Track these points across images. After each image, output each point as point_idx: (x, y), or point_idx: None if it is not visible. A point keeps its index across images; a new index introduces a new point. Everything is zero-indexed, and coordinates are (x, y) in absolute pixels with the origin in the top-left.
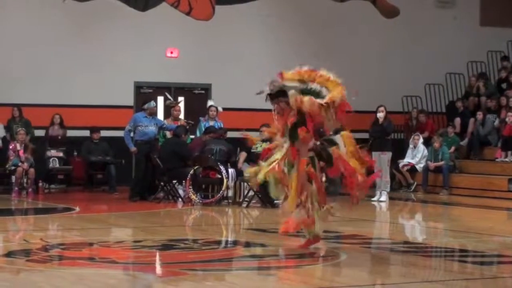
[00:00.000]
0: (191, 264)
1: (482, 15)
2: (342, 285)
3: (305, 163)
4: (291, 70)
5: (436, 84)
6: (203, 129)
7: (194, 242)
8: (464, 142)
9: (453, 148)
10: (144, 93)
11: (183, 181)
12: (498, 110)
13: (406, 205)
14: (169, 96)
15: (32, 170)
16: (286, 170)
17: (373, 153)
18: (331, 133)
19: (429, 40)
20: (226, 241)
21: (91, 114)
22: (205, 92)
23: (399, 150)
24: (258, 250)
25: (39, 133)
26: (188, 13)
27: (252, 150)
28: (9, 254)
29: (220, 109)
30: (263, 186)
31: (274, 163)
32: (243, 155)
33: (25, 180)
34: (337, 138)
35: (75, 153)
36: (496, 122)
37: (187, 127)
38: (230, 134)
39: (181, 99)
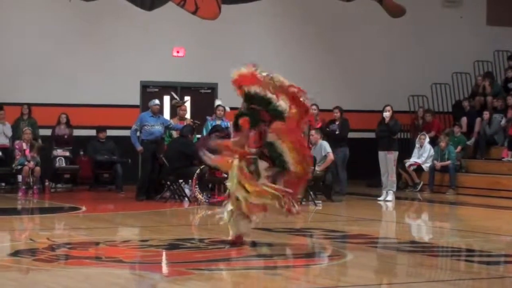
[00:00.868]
0: (197, 263)
1: (488, 15)
2: (348, 284)
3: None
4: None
5: (443, 84)
6: (210, 128)
7: (201, 241)
8: (470, 142)
9: (459, 148)
10: (151, 93)
11: (190, 181)
12: (504, 109)
13: (412, 205)
14: (175, 96)
15: (38, 168)
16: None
17: (380, 152)
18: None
19: (435, 39)
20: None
21: (98, 113)
22: (211, 92)
23: (406, 150)
24: (264, 250)
25: (46, 132)
26: (194, 13)
27: None
28: (15, 254)
29: (227, 109)
30: None
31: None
32: None
33: (31, 179)
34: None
35: (82, 153)
36: (503, 122)
37: (194, 126)
38: None
39: (187, 98)
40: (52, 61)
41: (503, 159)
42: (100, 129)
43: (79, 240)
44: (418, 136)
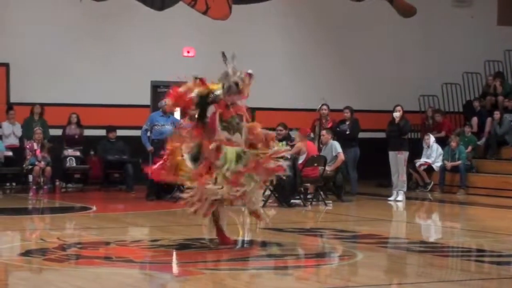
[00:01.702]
0: (207, 263)
1: (499, 14)
2: (359, 284)
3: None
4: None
5: (453, 84)
6: None
7: (211, 241)
8: (481, 142)
9: (470, 148)
10: (161, 93)
11: None
12: None
13: (423, 205)
14: None
15: (48, 168)
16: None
17: (390, 152)
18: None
19: (446, 39)
20: (243, 241)
21: (108, 113)
22: None
23: (416, 150)
24: (274, 250)
25: (56, 132)
26: (204, 13)
27: None
28: (26, 253)
29: None
30: (280, 186)
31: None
32: None
33: (42, 179)
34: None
35: (92, 152)
36: None
37: None
38: None
39: None
40: (62, 61)
41: None
42: (111, 129)
43: (90, 240)
44: (424, 137)
